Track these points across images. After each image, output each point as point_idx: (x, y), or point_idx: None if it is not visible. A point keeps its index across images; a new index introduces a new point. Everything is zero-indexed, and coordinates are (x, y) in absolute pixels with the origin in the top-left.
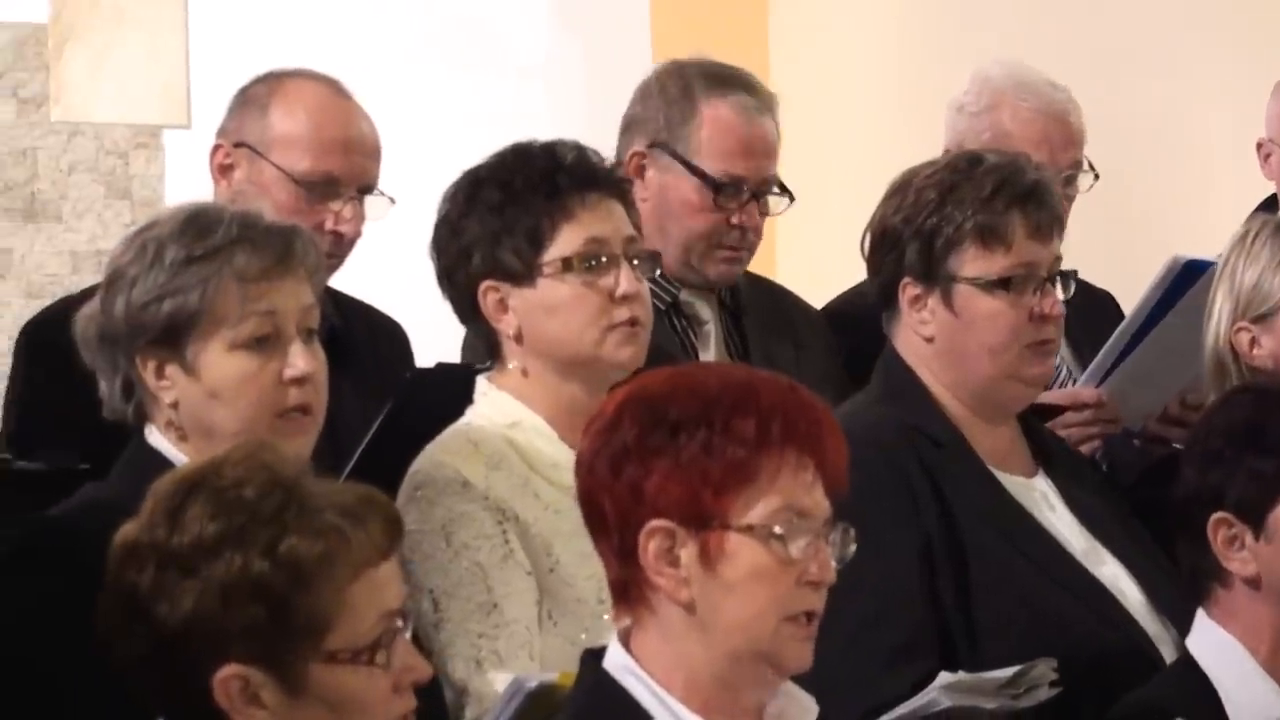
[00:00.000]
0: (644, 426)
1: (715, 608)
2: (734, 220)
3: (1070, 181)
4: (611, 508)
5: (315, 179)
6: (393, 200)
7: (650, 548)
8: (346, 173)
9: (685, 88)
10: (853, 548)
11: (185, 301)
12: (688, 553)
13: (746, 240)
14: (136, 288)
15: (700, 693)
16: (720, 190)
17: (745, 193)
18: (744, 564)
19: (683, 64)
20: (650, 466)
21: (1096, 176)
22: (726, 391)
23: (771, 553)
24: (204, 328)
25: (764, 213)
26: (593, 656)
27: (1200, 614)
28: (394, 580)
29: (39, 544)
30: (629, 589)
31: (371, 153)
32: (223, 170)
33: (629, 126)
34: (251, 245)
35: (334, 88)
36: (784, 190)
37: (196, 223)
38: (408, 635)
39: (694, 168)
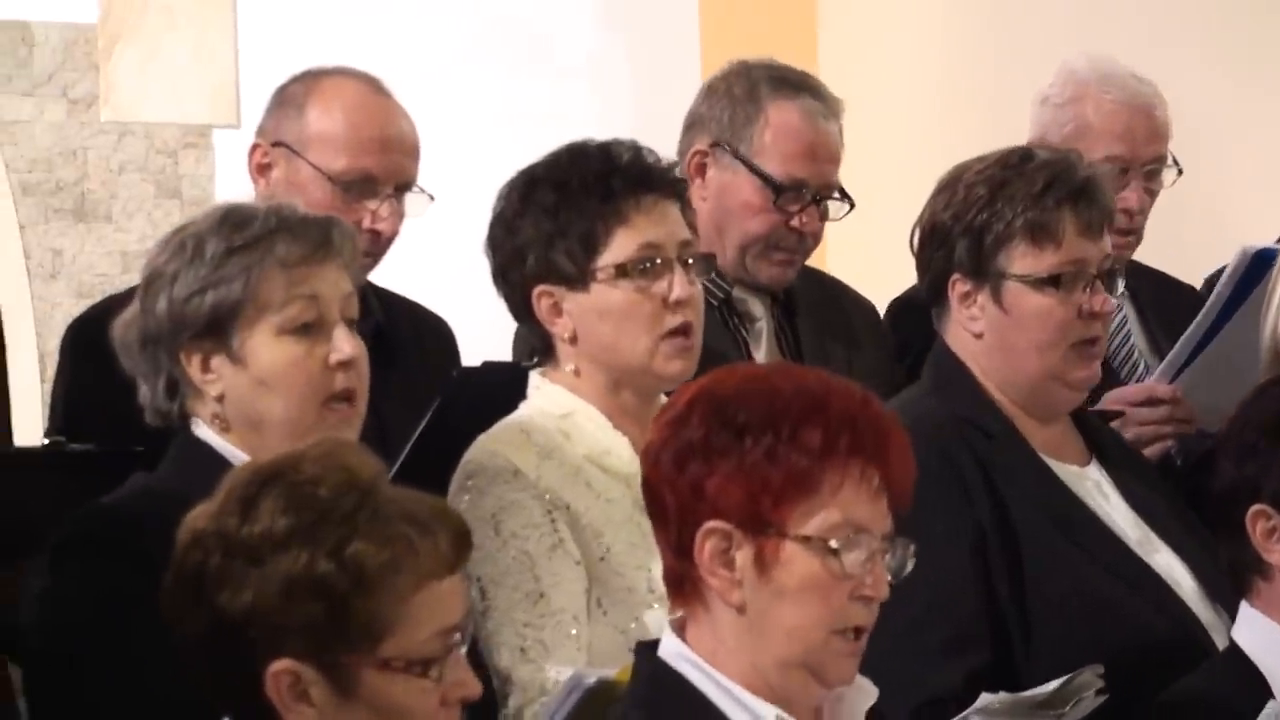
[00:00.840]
0: (711, 426)
1: (765, 613)
2: (793, 224)
3: (1153, 175)
4: (673, 502)
5: (351, 178)
6: (432, 197)
7: (706, 547)
8: (383, 171)
9: (751, 88)
10: (911, 563)
11: (229, 291)
12: (743, 556)
13: (803, 245)
14: (178, 284)
15: (755, 683)
16: (781, 192)
17: (806, 196)
18: (797, 574)
19: (750, 65)
20: (713, 467)
21: (1180, 171)
22: (797, 399)
23: (825, 566)
24: (249, 315)
25: (823, 217)
26: (647, 647)
27: (1244, 605)
28: (457, 595)
29: (95, 530)
30: (683, 583)
31: (409, 150)
32: (261, 170)
33: (692, 125)
34: (290, 234)
35: (371, 85)
36: (844, 196)
37: (233, 217)
38: (464, 650)
39: (756, 168)
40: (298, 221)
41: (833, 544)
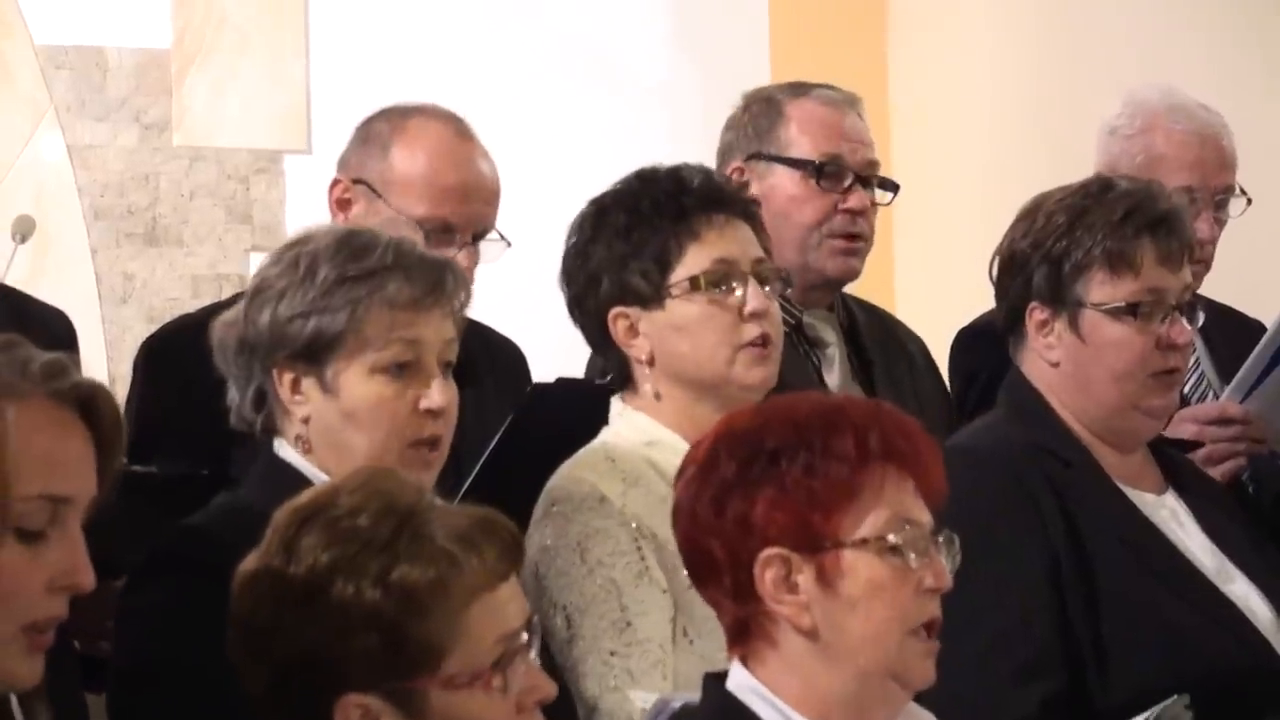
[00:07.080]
0: (742, 460)
1: (839, 628)
2: (842, 205)
3: (1222, 205)
4: (720, 548)
5: (430, 225)
6: (509, 244)
7: (767, 577)
8: (461, 220)
9: (768, 99)
10: (958, 557)
11: (333, 321)
12: (805, 577)
13: (859, 227)
14: (285, 301)
15: (826, 717)
16: (821, 171)
17: (848, 173)
18: (862, 579)
19: (761, 86)
20: (754, 498)
21: (1249, 201)
22: (817, 414)
23: (888, 564)
24: (348, 349)
25: (873, 201)
26: (715, 679)
27: None
28: (513, 600)
29: (177, 550)
30: (748, 626)
31: (488, 198)
32: (341, 205)
33: (723, 156)
34: (405, 274)
35: (456, 128)
36: (889, 183)
37: (351, 244)
38: (533, 652)
39: (792, 159)
40: (415, 261)
41: (891, 539)
